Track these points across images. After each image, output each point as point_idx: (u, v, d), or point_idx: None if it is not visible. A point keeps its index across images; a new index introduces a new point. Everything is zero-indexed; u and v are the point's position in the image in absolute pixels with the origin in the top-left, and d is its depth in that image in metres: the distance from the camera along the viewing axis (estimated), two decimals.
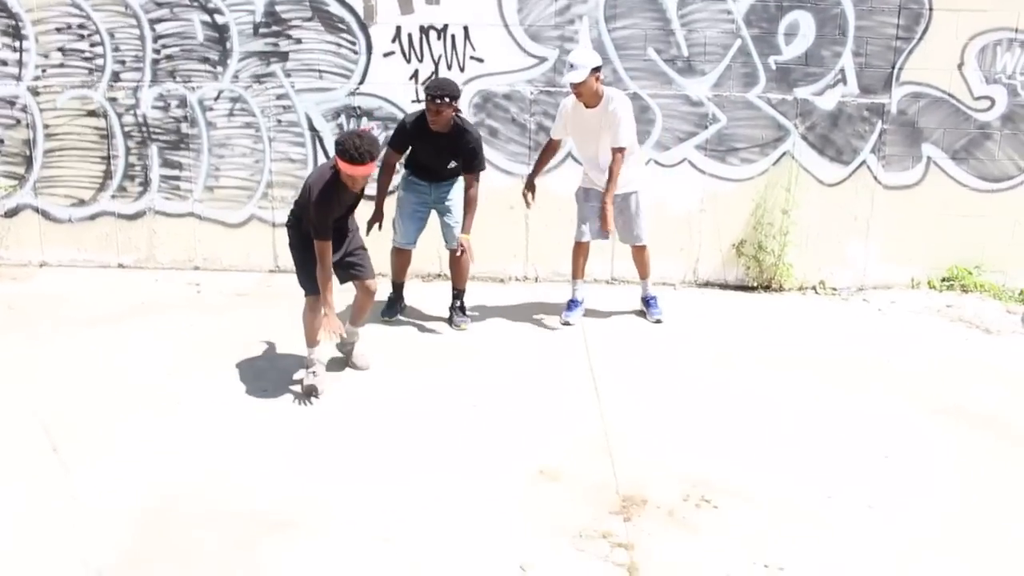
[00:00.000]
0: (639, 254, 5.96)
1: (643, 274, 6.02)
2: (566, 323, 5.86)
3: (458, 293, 5.85)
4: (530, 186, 5.83)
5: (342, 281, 4.72)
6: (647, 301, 6.04)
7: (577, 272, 5.96)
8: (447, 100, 5.19)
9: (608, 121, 5.50)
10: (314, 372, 4.60)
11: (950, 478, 3.97)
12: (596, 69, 5.40)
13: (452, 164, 5.45)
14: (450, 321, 5.83)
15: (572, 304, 5.97)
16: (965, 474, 4.00)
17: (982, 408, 4.69)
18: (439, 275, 6.61)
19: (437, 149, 5.40)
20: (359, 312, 4.90)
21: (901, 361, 5.35)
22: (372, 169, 4.41)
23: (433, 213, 5.77)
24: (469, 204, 5.52)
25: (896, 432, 4.37)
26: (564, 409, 4.53)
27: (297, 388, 4.65)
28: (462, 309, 5.85)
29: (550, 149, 5.87)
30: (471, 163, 5.46)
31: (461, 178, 5.60)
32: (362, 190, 4.65)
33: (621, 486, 3.84)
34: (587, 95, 5.44)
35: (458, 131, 5.38)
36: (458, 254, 5.59)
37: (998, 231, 6.71)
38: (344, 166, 4.26)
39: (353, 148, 4.21)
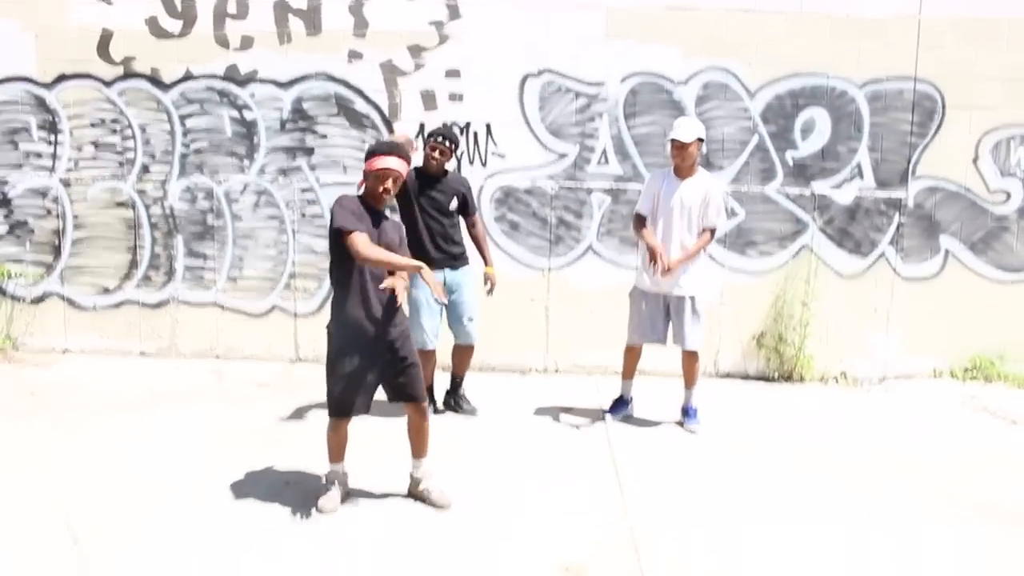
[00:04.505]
0: (689, 361, 5.62)
1: (689, 382, 5.66)
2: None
3: (460, 380, 5.86)
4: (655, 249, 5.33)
5: (388, 400, 4.44)
6: (687, 411, 5.68)
7: (628, 372, 5.77)
8: (447, 143, 5.46)
9: (703, 196, 5.36)
10: (329, 494, 4.39)
11: None
12: (700, 140, 5.35)
13: (454, 204, 5.56)
14: (457, 408, 5.83)
15: (620, 404, 5.81)
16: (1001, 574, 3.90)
17: (1013, 503, 4.60)
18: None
19: (438, 191, 5.51)
20: (417, 438, 4.48)
21: (927, 455, 5.27)
22: (401, 166, 4.16)
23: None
24: (481, 239, 5.76)
25: (928, 530, 4.27)
26: (588, 503, 4.47)
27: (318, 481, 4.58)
28: (465, 395, 5.87)
29: (642, 224, 5.48)
30: (468, 203, 5.66)
31: (470, 267, 5.63)
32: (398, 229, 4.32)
33: None
34: (687, 160, 5.32)
35: (451, 173, 5.66)
36: (486, 289, 5.66)
37: (1020, 321, 6.70)
38: (372, 161, 4.14)
39: (380, 143, 4.36)
